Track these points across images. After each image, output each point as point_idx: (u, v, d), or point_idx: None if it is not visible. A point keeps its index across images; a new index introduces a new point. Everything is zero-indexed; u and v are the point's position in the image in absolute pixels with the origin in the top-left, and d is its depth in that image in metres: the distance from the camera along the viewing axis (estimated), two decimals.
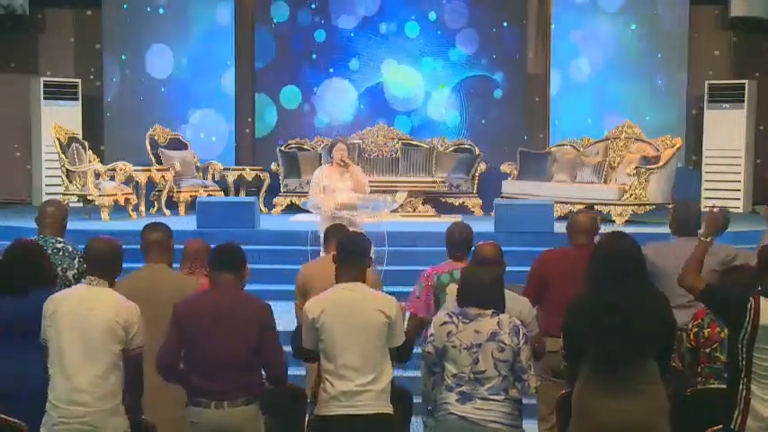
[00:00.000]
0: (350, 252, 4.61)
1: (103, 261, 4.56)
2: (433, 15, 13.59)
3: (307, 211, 10.74)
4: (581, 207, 10.95)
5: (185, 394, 4.44)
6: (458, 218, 11.47)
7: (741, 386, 4.26)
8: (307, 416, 5.16)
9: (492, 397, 4.33)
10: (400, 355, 4.65)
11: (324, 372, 4.45)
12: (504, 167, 12.47)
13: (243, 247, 4.66)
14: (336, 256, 4.66)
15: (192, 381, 4.35)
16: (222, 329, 4.30)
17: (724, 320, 4.52)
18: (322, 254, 7.67)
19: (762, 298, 4.27)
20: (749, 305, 4.25)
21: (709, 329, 5.03)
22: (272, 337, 4.41)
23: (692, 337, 5.09)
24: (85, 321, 4.35)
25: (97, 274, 4.51)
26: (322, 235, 7.58)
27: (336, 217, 7.85)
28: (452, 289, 5.35)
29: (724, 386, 4.47)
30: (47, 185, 13.06)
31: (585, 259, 4.91)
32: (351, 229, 6.83)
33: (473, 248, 5.48)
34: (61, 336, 4.36)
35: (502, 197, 11.91)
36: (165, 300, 4.72)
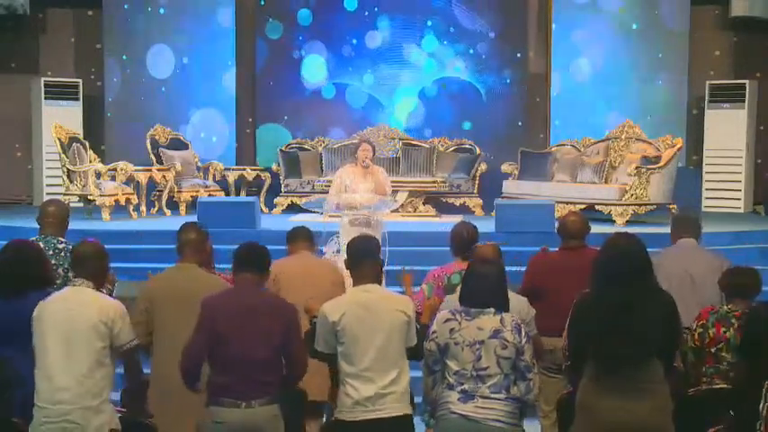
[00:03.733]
0: (361, 255, 4.61)
1: (88, 264, 4.58)
2: (433, 17, 13.57)
3: (307, 211, 10.75)
4: (582, 207, 10.96)
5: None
6: (459, 217, 11.47)
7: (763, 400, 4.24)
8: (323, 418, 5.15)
9: (493, 395, 4.33)
10: (417, 354, 4.70)
11: (344, 375, 4.43)
12: (505, 167, 12.46)
13: None
14: (348, 261, 4.67)
15: (218, 381, 4.30)
16: (252, 329, 4.29)
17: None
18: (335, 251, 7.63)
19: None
20: None
21: (713, 329, 5.03)
22: (298, 336, 4.42)
23: (696, 336, 5.10)
24: (68, 322, 4.36)
25: (82, 277, 4.55)
26: (344, 239, 7.44)
27: (355, 218, 7.80)
28: None
29: (729, 386, 4.47)
30: (47, 185, 13.03)
31: (579, 260, 4.95)
32: (367, 230, 6.83)
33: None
34: (45, 338, 4.36)
35: (503, 197, 11.89)
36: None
